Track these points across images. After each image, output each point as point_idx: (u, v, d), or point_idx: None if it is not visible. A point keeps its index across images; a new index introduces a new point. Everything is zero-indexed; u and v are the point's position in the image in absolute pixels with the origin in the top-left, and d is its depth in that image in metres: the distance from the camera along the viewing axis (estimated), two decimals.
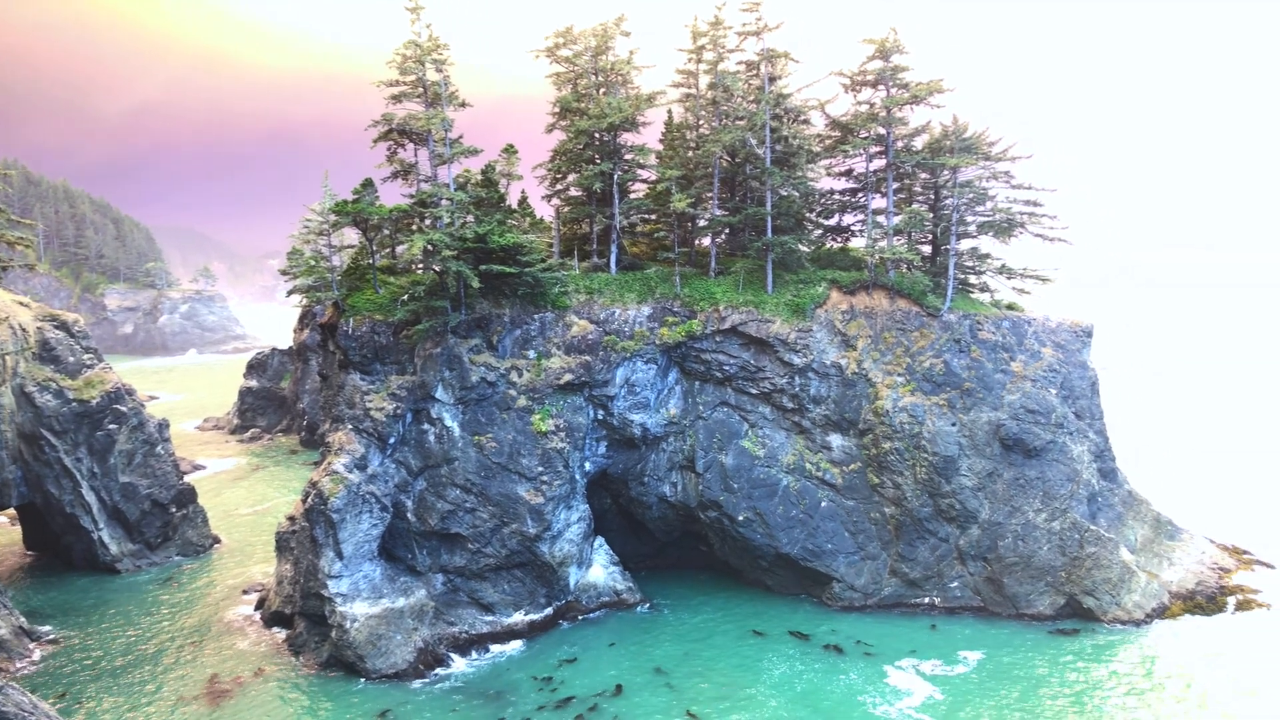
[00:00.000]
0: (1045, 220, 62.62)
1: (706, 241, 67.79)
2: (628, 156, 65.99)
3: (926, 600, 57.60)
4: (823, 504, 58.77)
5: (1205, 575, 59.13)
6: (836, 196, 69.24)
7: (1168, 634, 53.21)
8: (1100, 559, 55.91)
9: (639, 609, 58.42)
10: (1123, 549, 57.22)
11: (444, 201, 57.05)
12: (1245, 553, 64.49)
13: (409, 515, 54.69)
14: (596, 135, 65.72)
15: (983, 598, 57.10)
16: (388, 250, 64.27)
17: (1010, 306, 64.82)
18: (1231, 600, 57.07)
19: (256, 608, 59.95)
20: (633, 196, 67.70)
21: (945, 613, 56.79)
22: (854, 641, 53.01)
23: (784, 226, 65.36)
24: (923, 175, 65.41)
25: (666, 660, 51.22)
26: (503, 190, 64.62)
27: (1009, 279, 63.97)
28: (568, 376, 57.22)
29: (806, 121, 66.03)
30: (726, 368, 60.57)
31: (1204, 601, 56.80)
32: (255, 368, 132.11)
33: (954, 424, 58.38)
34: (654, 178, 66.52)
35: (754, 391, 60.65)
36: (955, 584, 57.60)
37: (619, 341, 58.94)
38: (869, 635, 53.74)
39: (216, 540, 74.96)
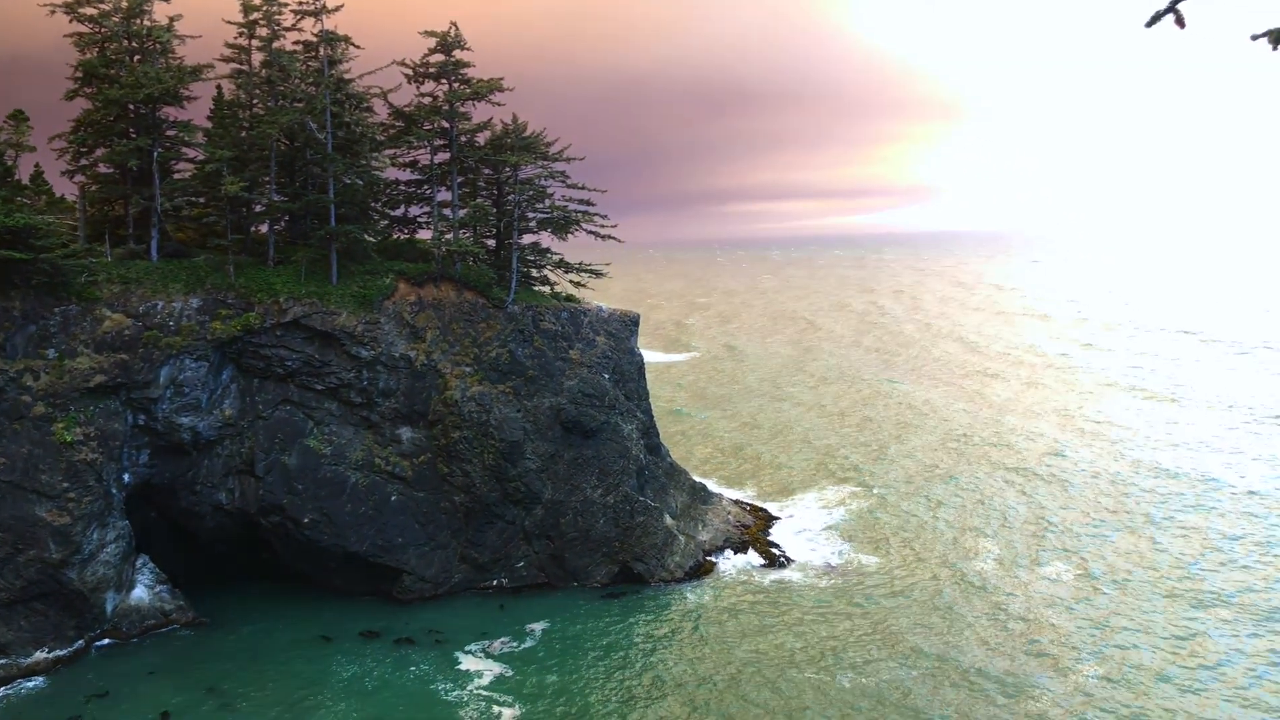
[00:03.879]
0: (598, 219, 67.84)
1: (264, 229, 63.93)
2: (170, 133, 60.24)
3: (495, 583, 59.87)
4: (393, 498, 58.51)
5: (731, 533, 68.09)
6: (402, 187, 68.94)
7: (701, 587, 60.48)
8: (648, 527, 62.03)
9: (190, 629, 53.88)
10: (666, 516, 64.06)
11: None
12: (761, 510, 75.14)
13: None
14: (131, 107, 59.06)
15: (547, 574, 60.66)
16: None
17: (569, 298, 69.16)
18: (752, 552, 66.29)
19: None
20: (177, 177, 61.89)
21: (513, 593, 59.45)
22: (425, 632, 53.61)
23: (349, 215, 63.64)
24: (486, 171, 67.31)
25: (223, 679, 47.85)
26: (10, 163, 55.97)
27: (566, 272, 68.30)
28: (99, 378, 50.98)
29: (370, 109, 64.82)
30: (289, 363, 57.78)
31: (731, 555, 65.40)
32: None
33: (519, 410, 61.11)
34: (202, 157, 61.26)
35: (319, 387, 58.55)
36: (522, 564, 60.53)
37: (163, 337, 53.67)
38: (440, 624, 54.65)
39: None
